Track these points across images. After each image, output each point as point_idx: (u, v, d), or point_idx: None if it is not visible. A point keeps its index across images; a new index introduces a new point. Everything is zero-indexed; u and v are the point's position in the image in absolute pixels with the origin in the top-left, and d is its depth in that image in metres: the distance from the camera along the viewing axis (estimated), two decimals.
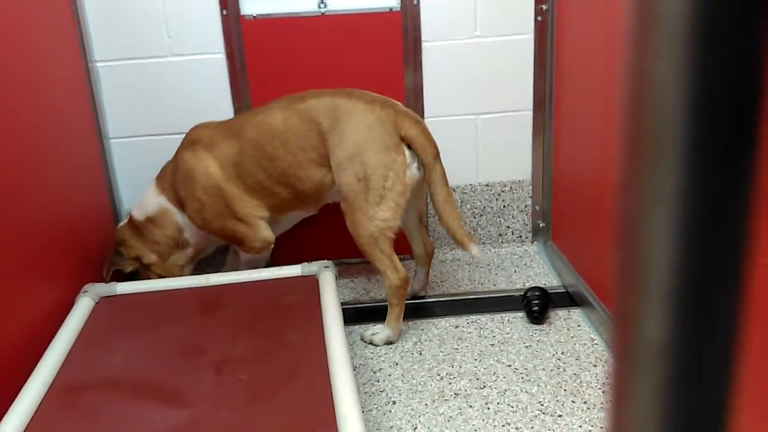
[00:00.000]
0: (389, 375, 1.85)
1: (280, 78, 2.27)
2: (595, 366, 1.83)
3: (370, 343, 1.99)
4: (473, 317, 2.10)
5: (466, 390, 1.76)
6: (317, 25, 2.25)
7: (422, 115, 2.35)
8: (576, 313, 2.09)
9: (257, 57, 2.26)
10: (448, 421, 1.65)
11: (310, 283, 1.91)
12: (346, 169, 1.89)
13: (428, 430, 1.63)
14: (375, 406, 1.72)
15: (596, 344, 1.92)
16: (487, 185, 2.48)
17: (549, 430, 1.60)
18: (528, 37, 2.31)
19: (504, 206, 2.51)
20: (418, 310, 2.16)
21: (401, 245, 2.06)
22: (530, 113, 2.40)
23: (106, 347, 1.67)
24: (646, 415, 0.27)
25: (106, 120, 2.30)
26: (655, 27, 0.22)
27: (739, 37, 0.21)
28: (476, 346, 1.95)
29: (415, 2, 2.24)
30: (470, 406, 1.70)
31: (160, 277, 2.13)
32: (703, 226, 0.24)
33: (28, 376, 1.50)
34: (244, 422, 1.37)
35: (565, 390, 1.74)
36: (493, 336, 2.00)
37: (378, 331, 2.00)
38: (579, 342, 1.94)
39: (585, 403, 1.68)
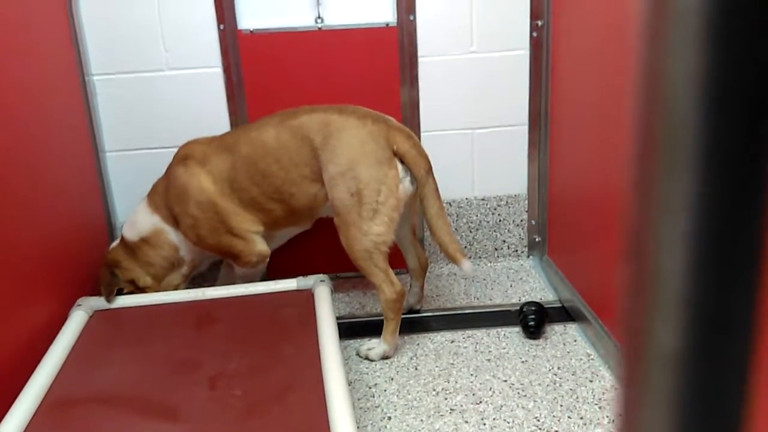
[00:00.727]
0: (384, 390, 1.84)
1: (277, 92, 2.27)
2: (591, 381, 1.82)
3: (366, 358, 1.98)
4: (469, 332, 2.09)
5: (461, 405, 1.75)
6: (314, 40, 2.25)
7: (418, 130, 2.35)
8: (572, 328, 2.08)
9: (254, 71, 2.26)
10: None
11: (306, 297, 1.90)
12: (339, 184, 1.89)
13: None
14: (370, 422, 1.71)
15: (592, 359, 1.91)
16: (483, 199, 2.48)
17: None
18: (524, 53, 2.32)
19: (500, 220, 2.51)
20: (414, 324, 2.14)
21: (396, 259, 2.06)
22: (526, 128, 2.40)
23: (99, 361, 1.66)
24: (658, 428, 0.26)
25: (102, 133, 2.30)
26: (669, 25, 0.22)
27: (757, 35, 0.21)
28: (472, 361, 1.94)
29: (412, 18, 2.25)
30: (466, 422, 1.68)
31: None
32: (718, 233, 0.23)
33: (20, 390, 1.48)
34: None
35: (561, 405, 1.72)
36: (489, 351, 1.99)
37: (374, 345, 1.99)
38: (575, 357, 1.93)
39: (581, 418, 1.67)
